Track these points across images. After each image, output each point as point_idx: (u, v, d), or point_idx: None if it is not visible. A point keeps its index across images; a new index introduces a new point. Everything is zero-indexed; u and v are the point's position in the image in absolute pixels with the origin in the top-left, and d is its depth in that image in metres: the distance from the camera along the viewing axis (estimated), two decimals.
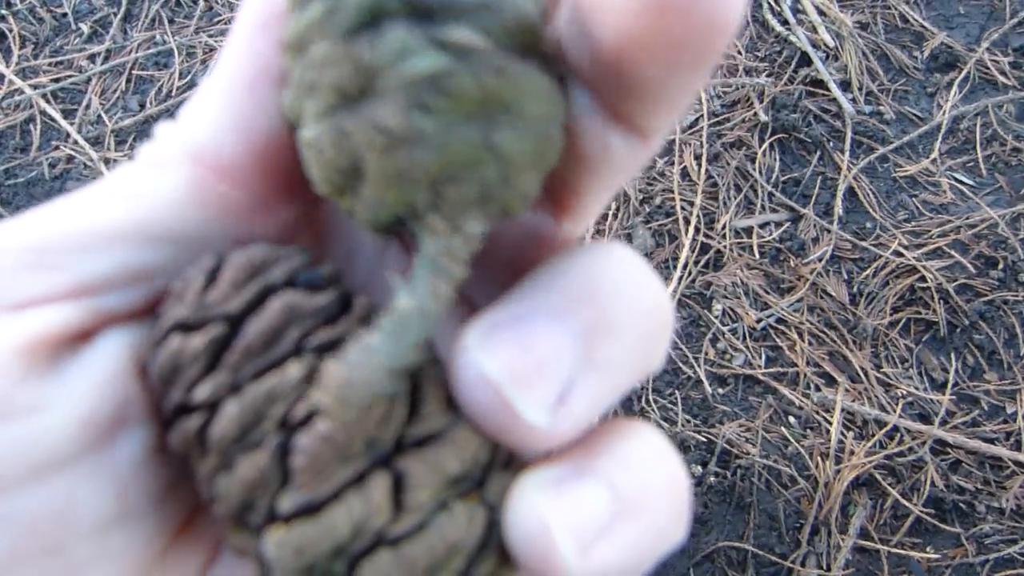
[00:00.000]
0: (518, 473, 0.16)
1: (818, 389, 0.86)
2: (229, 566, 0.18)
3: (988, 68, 1.05)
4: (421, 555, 0.15)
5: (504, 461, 0.17)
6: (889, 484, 0.81)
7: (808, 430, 0.84)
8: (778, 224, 0.97)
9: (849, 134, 1.01)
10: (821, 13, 1.10)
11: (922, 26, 1.09)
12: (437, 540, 0.15)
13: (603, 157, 0.17)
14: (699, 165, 0.99)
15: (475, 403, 0.15)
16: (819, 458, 0.82)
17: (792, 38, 1.08)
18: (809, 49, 1.06)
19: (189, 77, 1.10)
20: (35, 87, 1.09)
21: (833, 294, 0.91)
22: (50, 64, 1.12)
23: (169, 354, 0.15)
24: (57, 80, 1.11)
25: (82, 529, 0.15)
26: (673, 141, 1.02)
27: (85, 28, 1.15)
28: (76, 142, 1.05)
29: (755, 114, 1.02)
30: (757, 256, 0.94)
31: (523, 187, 0.15)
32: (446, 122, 0.14)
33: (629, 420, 0.17)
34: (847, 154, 1.00)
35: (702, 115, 1.03)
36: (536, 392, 0.15)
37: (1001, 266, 0.92)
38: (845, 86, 1.05)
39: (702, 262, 0.93)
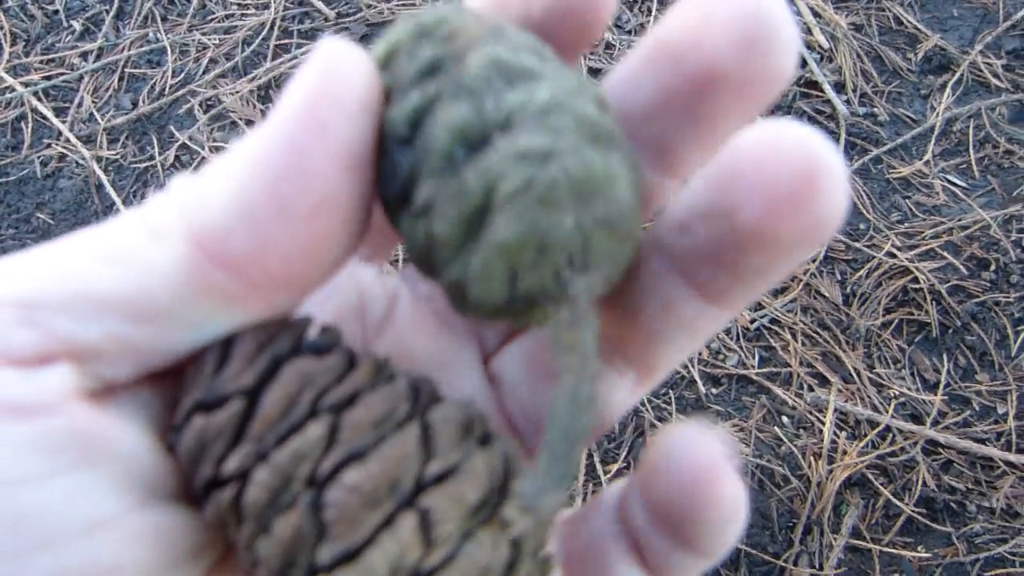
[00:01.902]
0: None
1: (811, 389, 0.87)
2: None
3: (981, 70, 1.06)
4: None
5: (516, 469, 0.18)
6: (881, 484, 0.81)
7: (801, 430, 0.85)
8: None
9: (843, 135, 1.01)
10: (816, 14, 1.10)
11: (916, 28, 1.10)
12: (468, 567, 0.16)
13: (688, 326, 0.19)
14: None
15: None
16: (812, 458, 0.82)
17: None
18: (804, 50, 1.07)
19: (182, 75, 1.09)
20: (26, 85, 1.09)
21: (826, 295, 0.92)
22: (42, 62, 1.11)
23: (194, 434, 0.17)
24: (49, 78, 1.10)
25: None
26: None
27: (77, 25, 1.14)
28: (68, 140, 1.05)
29: None
30: None
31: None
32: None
33: None
34: (841, 155, 1.00)
35: None
36: None
37: (993, 268, 0.93)
38: (839, 88, 1.05)
39: None
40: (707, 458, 0.18)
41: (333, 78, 0.16)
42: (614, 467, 0.82)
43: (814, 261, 0.93)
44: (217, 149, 1.02)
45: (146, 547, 0.16)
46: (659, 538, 0.19)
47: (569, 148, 0.16)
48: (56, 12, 1.16)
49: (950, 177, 1.00)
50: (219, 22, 1.13)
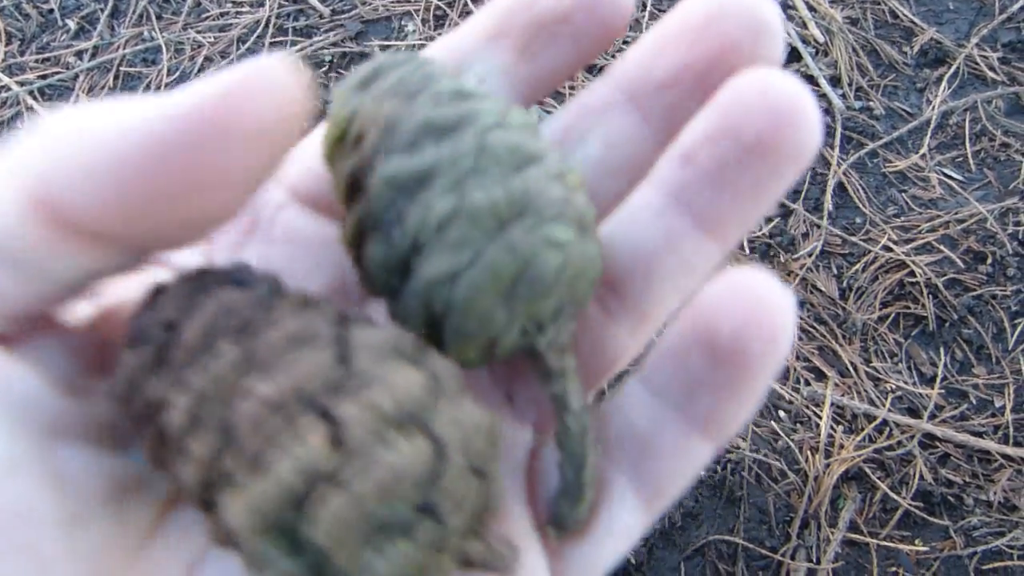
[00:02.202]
0: (463, 405, 0.18)
1: (808, 383, 0.86)
2: (216, 565, 0.19)
3: (977, 63, 1.05)
4: (368, 489, 0.15)
5: (452, 393, 0.17)
6: (878, 478, 0.81)
7: (798, 424, 0.85)
8: (768, 219, 0.97)
9: (839, 129, 1.01)
10: (811, 8, 1.10)
11: (912, 21, 1.10)
12: (381, 473, 0.16)
13: (684, 261, 0.21)
14: None
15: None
16: (809, 452, 0.82)
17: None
18: (799, 44, 1.06)
19: (177, 74, 1.09)
20: (22, 84, 1.08)
21: (823, 289, 0.92)
22: (37, 61, 1.11)
23: (124, 372, 0.17)
24: (44, 77, 1.10)
25: (48, 527, 0.15)
26: None
27: (72, 24, 1.14)
28: None
29: None
30: (747, 251, 0.94)
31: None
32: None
33: None
34: (837, 149, 1.00)
35: None
36: None
37: (990, 261, 0.93)
38: (835, 82, 1.05)
39: None
40: (767, 288, 0.20)
41: (245, 103, 0.15)
42: None
43: (811, 256, 0.93)
44: None
45: (58, 490, 0.16)
46: (684, 403, 0.20)
47: (572, 252, 0.19)
48: (51, 11, 1.16)
49: (946, 170, 0.99)
50: (214, 20, 1.13)
